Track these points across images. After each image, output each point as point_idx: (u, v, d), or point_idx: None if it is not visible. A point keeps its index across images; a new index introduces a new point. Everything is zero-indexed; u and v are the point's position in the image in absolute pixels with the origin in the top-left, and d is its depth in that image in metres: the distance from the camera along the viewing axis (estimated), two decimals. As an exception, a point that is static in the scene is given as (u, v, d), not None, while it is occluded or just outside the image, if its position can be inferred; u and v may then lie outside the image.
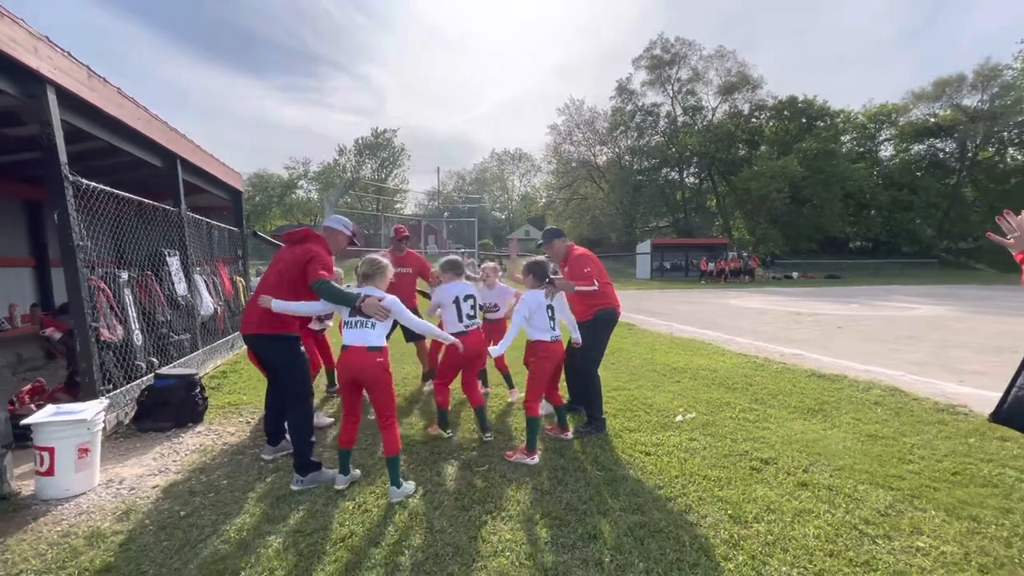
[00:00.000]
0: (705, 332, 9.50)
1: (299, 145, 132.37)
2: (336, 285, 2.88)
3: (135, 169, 5.50)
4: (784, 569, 2.19)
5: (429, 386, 5.30)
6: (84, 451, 2.91)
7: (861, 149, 43.85)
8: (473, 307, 3.63)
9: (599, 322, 4.01)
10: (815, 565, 2.22)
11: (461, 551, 2.33)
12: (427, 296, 5.39)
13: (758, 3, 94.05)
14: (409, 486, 2.92)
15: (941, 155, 42.77)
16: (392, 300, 2.89)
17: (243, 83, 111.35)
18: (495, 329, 4.72)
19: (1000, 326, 10.04)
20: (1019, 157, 41.54)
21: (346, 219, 3.48)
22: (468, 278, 3.93)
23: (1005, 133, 39.81)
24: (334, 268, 3.29)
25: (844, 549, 2.34)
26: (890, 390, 5.12)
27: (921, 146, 43.24)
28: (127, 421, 3.97)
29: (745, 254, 32.28)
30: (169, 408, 3.94)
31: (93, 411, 2.97)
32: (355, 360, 2.78)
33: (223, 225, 7.21)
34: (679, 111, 44.91)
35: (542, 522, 2.59)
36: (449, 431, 3.78)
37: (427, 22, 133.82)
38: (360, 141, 60.38)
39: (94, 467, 3.00)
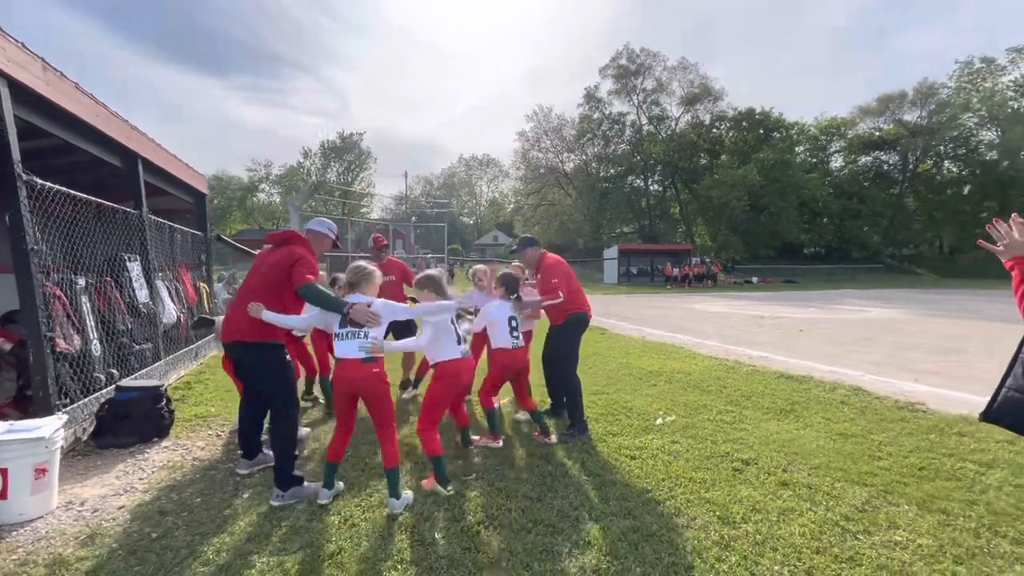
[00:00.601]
0: (675, 336, 9.71)
1: (260, 147, 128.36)
2: (324, 290, 2.78)
3: (93, 169, 5.19)
4: (776, 568, 2.24)
5: (408, 393, 5.20)
6: (41, 471, 2.70)
7: (814, 160, 46.10)
8: (465, 329, 3.30)
9: (570, 326, 4.13)
10: (804, 563, 2.29)
11: (456, 563, 2.28)
12: (416, 302, 5.31)
13: (724, 13, 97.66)
14: (408, 495, 2.84)
15: (885, 167, 45.49)
16: (382, 303, 2.83)
17: (203, 82, 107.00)
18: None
19: (947, 328, 10.69)
20: (954, 170, 44.66)
21: (330, 222, 3.39)
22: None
23: (941, 147, 42.76)
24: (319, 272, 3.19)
25: (829, 546, 2.42)
26: (854, 390, 5.36)
27: (867, 158, 45.86)
28: (85, 437, 3.71)
29: (708, 260, 33.30)
30: (132, 422, 3.70)
31: (51, 428, 2.76)
32: (351, 374, 2.69)
33: (186, 229, 6.88)
34: (644, 120, 46.07)
35: (536, 530, 2.56)
36: (450, 487, 2.96)
37: (395, 25, 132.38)
38: (326, 144, 59.19)
39: (52, 489, 2.78)
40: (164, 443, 3.83)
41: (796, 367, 6.58)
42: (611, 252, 34.86)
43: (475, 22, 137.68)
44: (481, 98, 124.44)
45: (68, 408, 3.55)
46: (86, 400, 3.79)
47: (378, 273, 2.97)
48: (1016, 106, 40.90)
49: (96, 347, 4.09)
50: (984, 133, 42.18)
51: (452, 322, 3.07)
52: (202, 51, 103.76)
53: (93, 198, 4.21)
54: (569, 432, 3.92)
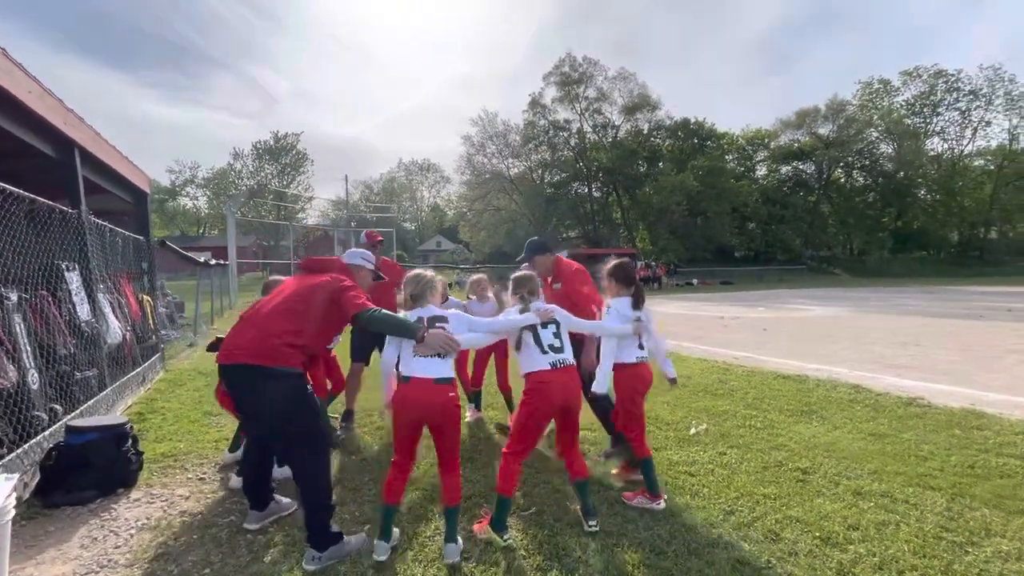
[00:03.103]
0: (652, 339, 9.71)
1: (177, 148, 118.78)
2: (389, 313, 2.32)
3: (13, 159, 4.25)
4: (918, 596, 2.04)
5: (344, 431, 4.65)
6: (-12, 554, 2.00)
7: (742, 168, 49.19)
8: (557, 334, 2.62)
9: None
10: (939, 586, 2.11)
11: (570, 628, 1.89)
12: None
13: (647, 30, 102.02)
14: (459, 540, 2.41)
15: (804, 175, 49.37)
16: (456, 317, 2.45)
17: (105, 76, 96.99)
18: None
19: (886, 323, 11.49)
20: (860, 179, 49.33)
21: (364, 251, 2.96)
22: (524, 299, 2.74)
23: (850, 158, 47.07)
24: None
25: (948, 563, 2.26)
26: (853, 387, 5.46)
27: (788, 167, 49.60)
28: (27, 495, 2.91)
29: (653, 263, 34.43)
30: (91, 472, 2.96)
31: (0, 494, 2.06)
32: (424, 397, 2.25)
33: (127, 233, 5.90)
34: (588, 128, 47.08)
35: (638, 574, 2.22)
36: (508, 537, 2.45)
37: (323, 25, 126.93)
38: (259, 145, 55.56)
39: (1, 573, 2.08)
40: (133, 494, 3.10)
41: (785, 366, 6.68)
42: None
43: (407, 24, 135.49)
44: (413, 104, 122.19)
45: (4, 459, 2.76)
46: (26, 447, 2.99)
47: (439, 280, 2.55)
48: (909, 123, 45.96)
49: (34, 378, 3.26)
50: (883, 147, 47.00)
51: (534, 330, 2.59)
52: (102, 40, 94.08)
53: (27, 193, 3.39)
54: (616, 450, 3.60)
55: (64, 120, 4.06)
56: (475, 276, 4.74)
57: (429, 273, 2.51)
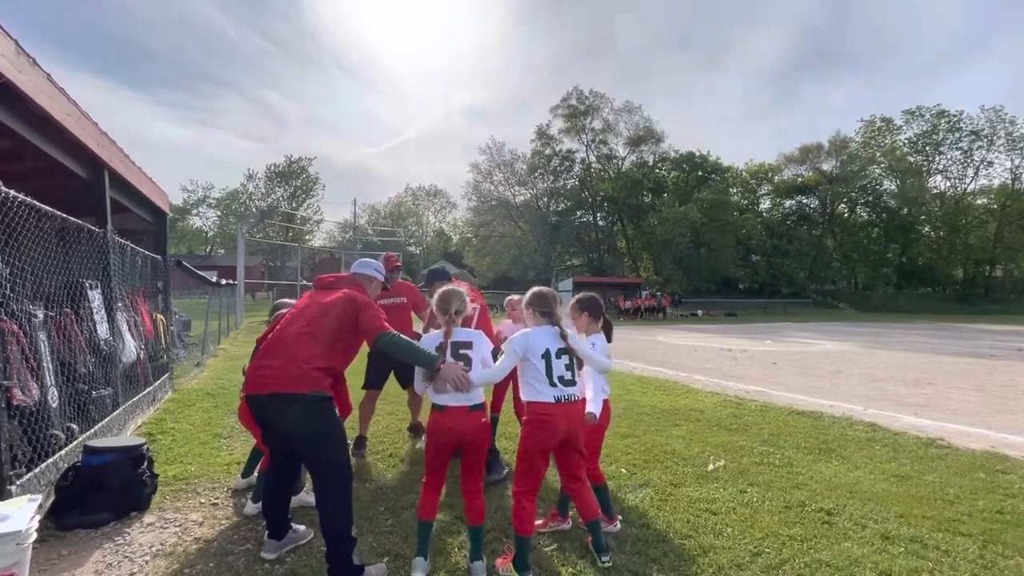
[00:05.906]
0: (660, 370, 9.64)
1: (184, 168, 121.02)
2: (409, 340, 2.34)
3: (44, 177, 4.35)
4: (961, 650, 1.97)
5: (421, 444, 4.62)
6: (8, 579, 1.97)
7: (745, 201, 49.73)
8: (570, 366, 2.53)
9: None
10: (981, 640, 2.04)
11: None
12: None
13: (653, 65, 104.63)
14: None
15: (807, 209, 49.85)
16: (480, 338, 2.42)
17: (120, 94, 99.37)
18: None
19: (896, 360, 11.39)
20: (864, 215, 49.71)
21: (375, 263, 2.98)
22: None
23: (853, 194, 47.56)
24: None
25: (988, 615, 2.19)
26: (869, 426, 5.38)
27: (792, 201, 50.12)
28: (41, 516, 2.87)
29: (658, 293, 34.44)
30: (107, 494, 2.92)
31: (23, 517, 2.04)
32: (458, 426, 2.28)
33: (146, 252, 5.97)
34: (593, 158, 47.92)
35: (668, 617, 2.16)
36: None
37: (333, 52, 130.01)
38: (272, 168, 56.67)
39: (19, 600, 2.04)
40: (146, 518, 3.05)
41: (799, 402, 6.60)
42: (566, 284, 35.28)
43: (417, 53, 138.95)
44: (418, 130, 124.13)
45: (23, 479, 2.73)
46: (43, 466, 2.96)
47: (467, 295, 2.58)
48: (911, 161, 46.59)
49: (53, 396, 3.26)
50: (887, 183, 47.55)
51: (547, 357, 2.46)
52: (116, 59, 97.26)
53: (59, 212, 3.45)
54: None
55: (98, 143, 4.17)
56: (511, 296, 4.67)
57: (463, 288, 2.54)
